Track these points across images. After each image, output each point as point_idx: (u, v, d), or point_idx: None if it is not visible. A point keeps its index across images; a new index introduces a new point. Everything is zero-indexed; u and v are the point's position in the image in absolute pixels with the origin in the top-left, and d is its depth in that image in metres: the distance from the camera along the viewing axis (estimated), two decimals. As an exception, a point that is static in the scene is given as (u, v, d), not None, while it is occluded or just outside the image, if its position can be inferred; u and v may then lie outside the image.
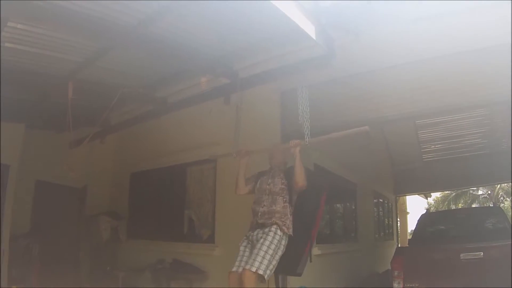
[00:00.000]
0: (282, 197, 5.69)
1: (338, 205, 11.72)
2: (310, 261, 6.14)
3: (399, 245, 17.62)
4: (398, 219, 19.96)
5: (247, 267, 5.13)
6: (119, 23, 6.09)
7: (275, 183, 5.80)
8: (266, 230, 5.47)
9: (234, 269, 5.41)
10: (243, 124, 7.47)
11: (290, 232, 5.61)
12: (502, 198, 31.93)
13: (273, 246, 5.33)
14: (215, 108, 8.34)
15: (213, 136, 8.43)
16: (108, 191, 11.52)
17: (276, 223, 5.49)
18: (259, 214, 5.64)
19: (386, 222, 17.47)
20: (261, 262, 5.16)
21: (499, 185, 29.11)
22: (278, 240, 5.41)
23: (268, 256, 5.24)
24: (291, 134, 6.93)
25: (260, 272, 5.10)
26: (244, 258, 5.45)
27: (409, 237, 14.02)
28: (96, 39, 6.50)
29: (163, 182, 10.02)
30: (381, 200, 16.54)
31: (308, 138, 5.77)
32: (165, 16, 6.02)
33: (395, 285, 7.50)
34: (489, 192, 32.70)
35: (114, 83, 8.17)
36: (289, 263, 5.76)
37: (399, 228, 20.03)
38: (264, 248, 5.28)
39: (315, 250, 8.17)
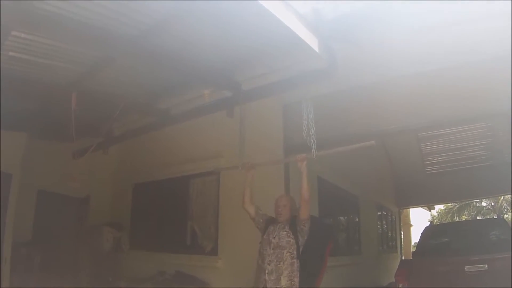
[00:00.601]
0: (290, 253, 5.52)
1: (341, 217, 11.66)
2: None
3: (403, 258, 17.54)
4: (402, 232, 19.88)
5: None
6: (122, 34, 6.10)
7: (281, 236, 5.62)
8: None
9: None
10: (246, 136, 7.46)
11: (297, 285, 5.50)
12: (505, 209, 31.78)
13: None
14: (218, 121, 8.33)
15: (216, 148, 8.44)
16: (110, 202, 11.48)
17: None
18: (266, 272, 5.48)
19: (390, 234, 17.39)
20: None
21: (502, 196, 28.99)
22: None
23: None
24: (294, 147, 6.92)
25: None
26: None
27: (413, 249, 13.98)
28: (99, 49, 6.51)
29: (166, 194, 9.99)
30: (385, 213, 16.49)
31: (315, 151, 5.73)
32: (168, 28, 6.03)
33: (399, 297, 7.45)
34: (492, 203, 32.59)
35: (117, 94, 8.19)
36: None
37: (402, 240, 19.94)
38: None
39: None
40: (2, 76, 6.53)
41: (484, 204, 33.25)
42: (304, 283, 5.54)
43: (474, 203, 32.69)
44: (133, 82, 7.94)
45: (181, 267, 8.74)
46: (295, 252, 5.53)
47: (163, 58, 6.76)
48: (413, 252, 10.30)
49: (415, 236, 20.36)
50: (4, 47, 6.00)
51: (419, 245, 9.93)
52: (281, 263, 5.45)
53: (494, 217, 28.73)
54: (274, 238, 5.63)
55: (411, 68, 6.34)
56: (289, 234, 5.60)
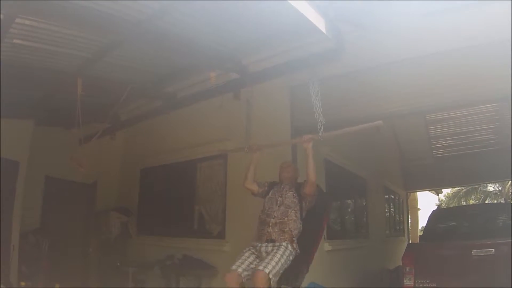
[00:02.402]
0: (294, 210, 5.64)
1: (348, 200, 11.65)
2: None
3: (410, 242, 17.53)
4: (409, 215, 19.84)
5: (261, 268, 5.08)
6: (127, 18, 6.09)
7: (287, 196, 5.75)
8: (277, 244, 5.45)
9: (234, 267, 5.33)
10: (253, 119, 7.44)
11: (297, 249, 5.59)
12: (512, 194, 31.67)
13: (284, 258, 5.31)
14: (224, 103, 8.31)
15: (223, 132, 8.42)
16: (117, 187, 11.52)
17: (286, 240, 5.47)
18: (270, 224, 5.57)
19: (397, 218, 17.36)
20: (273, 267, 5.13)
21: (510, 181, 28.87)
22: (288, 255, 5.40)
23: (279, 265, 5.22)
24: (301, 128, 6.90)
25: (271, 276, 5.06)
26: (246, 262, 5.39)
27: (420, 233, 13.96)
28: (104, 34, 6.51)
29: (173, 178, 10.00)
30: (392, 196, 16.44)
31: (322, 132, 5.69)
32: (174, 11, 6.01)
33: (406, 281, 7.44)
34: (499, 188, 32.48)
35: (123, 79, 8.18)
36: (290, 276, 5.70)
37: (410, 224, 19.91)
38: (278, 256, 5.27)
39: (326, 246, 8.16)
40: (7, 64, 6.53)
41: (491, 188, 33.14)
42: (302, 248, 5.69)
43: (481, 188, 32.59)
44: (139, 66, 7.93)
45: (188, 251, 8.77)
46: (298, 213, 5.68)
47: (169, 42, 6.76)
48: (420, 236, 10.27)
49: (423, 220, 20.35)
50: (8, 34, 5.99)
51: (426, 229, 9.90)
52: (286, 218, 5.58)
53: (502, 201, 28.65)
54: (280, 196, 5.77)
55: (418, 51, 6.31)
56: (294, 195, 5.74)
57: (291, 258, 5.47)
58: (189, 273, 8.39)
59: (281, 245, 5.42)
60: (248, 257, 5.48)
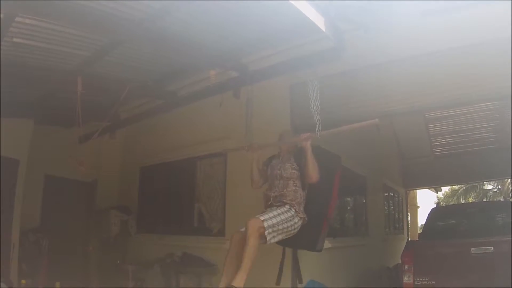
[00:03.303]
0: (293, 181, 5.69)
1: (348, 198, 11.67)
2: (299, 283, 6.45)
3: (409, 239, 17.56)
4: (409, 213, 19.87)
5: (256, 216, 5.17)
6: (128, 17, 6.09)
7: (285, 168, 5.79)
8: (279, 206, 5.52)
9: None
10: (253, 117, 7.46)
11: (303, 215, 5.61)
12: (512, 193, 31.67)
13: (283, 216, 5.35)
14: (225, 102, 8.33)
15: (223, 130, 8.45)
16: (117, 185, 11.54)
17: (288, 204, 5.53)
18: (271, 198, 5.68)
19: (396, 216, 17.39)
20: (270, 218, 5.18)
21: (509, 179, 28.88)
22: (290, 216, 5.43)
23: (277, 218, 5.26)
24: (300, 127, 6.92)
25: (265, 224, 5.08)
26: None
27: (419, 231, 13.98)
28: (105, 33, 6.50)
29: (173, 176, 10.02)
30: (391, 194, 16.47)
31: (319, 131, 5.70)
32: (174, 11, 6.01)
33: (405, 279, 7.47)
34: (499, 186, 32.47)
35: (123, 77, 8.19)
36: (309, 240, 5.90)
37: (409, 222, 19.94)
38: (277, 211, 5.36)
39: (325, 244, 8.17)
40: (7, 63, 6.54)
41: (490, 187, 33.15)
42: (314, 214, 5.79)
43: (481, 186, 32.60)
44: (139, 65, 7.93)
45: (188, 249, 8.80)
46: (298, 182, 5.71)
47: (170, 40, 6.76)
48: (419, 233, 10.29)
49: (422, 218, 20.36)
50: (8, 33, 6.00)
51: (425, 226, 9.93)
52: (285, 190, 5.64)
53: (501, 199, 28.67)
54: (279, 170, 5.81)
55: (418, 49, 6.31)
56: (293, 166, 5.78)
57: (295, 220, 5.49)
58: (189, 271, 8.41)
59: (282, 207, 5.49)
60: None
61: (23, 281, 7.82)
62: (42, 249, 9.06)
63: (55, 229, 9.58)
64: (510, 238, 7.08)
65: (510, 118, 11.40)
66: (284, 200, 5.58)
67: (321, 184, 5.84)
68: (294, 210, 5.50)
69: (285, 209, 5.45)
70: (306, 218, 5.64)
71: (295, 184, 5.68)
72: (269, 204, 5.69)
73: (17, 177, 8.64)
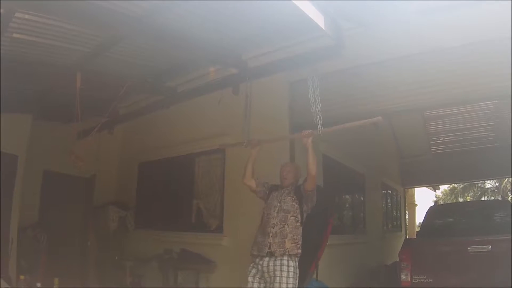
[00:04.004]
0: (294, 216, 5.52)
1: (346, 196, 11.69)
2: (317, 279, 6.44)
3: (407, 237, 17.58)
4: (407, 211, 19.89)
5: None
6: (128, 13, 6.10)
7: (285, 200, 5.62)
8: (278, 263, 5.32)
9: None
10: (252, 114, 7.46)
11: (300, 250, 5.50)
12: (510, 191, 31.70)
13: (291, 281, 5.25)
14: (224, 98, 8.34)
15: (222, 126, 8.45)
16: (116, 181, 11.54)
17: (287, 254, 5.34)
18: (271, 235, 5.43)
19: (394, 214, 17.42)
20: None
21: (507, 178, 28.93)
22: (294, 272, 5.33)
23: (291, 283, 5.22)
24: (300, 124, 6.92)
25: None
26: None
27: (417, 229, 14.00)
28: (104, 29, 6.51)
29: (172, 172, 10.01)
30: (390, 192, 16.49)
31: (321, 128, 5.69)
32: (174, 7, 6.03)
33: (403, 277, 7.48)
34: (497, 184, 32.55)
35: (123, 73, 8.20)
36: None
37: (407, 220, 19.96)
38: (284, 280, 5.22)
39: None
40: (7, 58, 6.54)
41: (488, 185, 33.23)
42: (305, 253, 5.59)
43: (479, 184, 32.67)
44: (139, 61, 7.94)
45: (186, 245, 8.80)
46: (299, 217, 5.55)
47: (169, 37, 6.77)
48: (417, 231, 10.31)
49: (420, 216, 20.38)
50: (8, 28, 5.99)
51: (423, 225, 9.94)
52: (286, 226, 5.45)
53: (499, 198, 28.73)
54: (279, 202, 5.63)
55: (418, 48, 6.32)
56: (293, 199, 5.62)
57: (297, 271, 5.40)
58: (187, 267, 8.43)
59: (282, 264, 5.30)
60: (253, 284, 5.44)
61: (22, 277, 7.81)
62: (41, 245, 9.06)
63: (53, 225, 9.59)
64: (508, 237, 7.10)
65: (508, 117, 11.41)
66: (285, 241, 5.38)
67: (316, 224, 5.85)
68: (293, 262, 5.38)
69: (286, 267, 5.29)
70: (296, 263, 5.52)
71: (296, 220, 5.52)
72: (266, 244, 5.42)
73: (16, 172, 8.64)
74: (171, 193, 9.91)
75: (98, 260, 10.36)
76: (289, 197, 5.65)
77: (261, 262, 5.43)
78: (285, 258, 5.33)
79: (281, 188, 5.84)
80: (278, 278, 5.24)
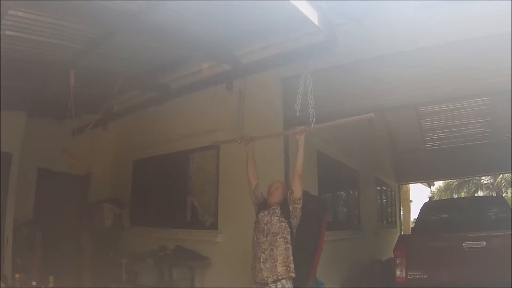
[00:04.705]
0: (283, 238, 5.39)
1: (340, 192, 11.71)
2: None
3: (402, 233, 17.64)
4: (401, 207, 19.96)
5: None
6: (120, 9, 6.08)
7: (273, 222, 5.46)
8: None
9: None
10: (245, 110, 7.46)
11: (293, 273, 5.38)
12: (504, 188, 31.83)
13: None
14: (217, 95, 8.33)
15: (216, 123, 8.44)
16: (110, 178, 11.52)
17: (279, 280, 5.27)
18: (261, 260, 5.34)
19: (389, 210, 17.48)
20: None
21: (501, 174, 29.04)
22: None
23: None
24: (293, 120, 6.91)
25: None
26: None
27: (412, 225, 14.06)
28: (97, 25, 6.51)
29: (166, 169, 10.00)
30: (384, 188, 16.55)
31: (314, 124, 5.67)
32: (166, 3, 6.00)
33: (398, 273, 7.51)
34: (491, 181, 32.65)
35: (116, 70, 8.19)
36: None
37: (402, 216, 20.03)
38: None
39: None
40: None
41: (483, 182, 33.33)
42: (301, 268, 5.50)
43: (473, 180, 32.77)
44: (132, 58, 7.94)
45: (181, 242, 8.81)
46: (288, 237, 5.41)
47: (162, 33, 6.77)
48: (412, 228, 10.34)
49: (415, 212, 20.46)
50: (1, 26, 5.97)
51: (418, 220, 9.99)
52: (275, 249, 5.33)
53: (493, 194, 28.85)
54: (266, 225, 5.48)
55: (412, 44, 6.32)
56: (281, 219, 5.46)
57: None
58: (182, 264, 8.42)
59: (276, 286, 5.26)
60: None
61: (17, 276, 7.79)
62: (36, 243, 9.05)
63: (48, 222, 9.56)
64: (502, 233, 7.13)
65: (503, 113, 11.43)
66: (276, 265, 5.29)
67: (309, 233, 5.76)
68: (289, 281, 5.33)
69: None
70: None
71: (285, 241, 5.38)
72: (258, 270, 5.33)
73: (10, 170, 8.62)
74: (165, 190, 9.91)
75: (93, 257, 10.34)
76: (276, 218, 5.48)
77: None
78: (279, 285, 5.28)
79: (268, 206, 5.67)
80: None
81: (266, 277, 5.27)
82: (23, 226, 9.07)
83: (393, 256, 7.91)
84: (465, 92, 6.41)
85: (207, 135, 8.21)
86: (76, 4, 5.66)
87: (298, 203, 5.45)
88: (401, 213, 19.98)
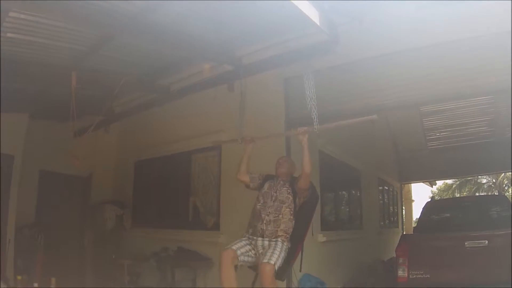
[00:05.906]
0: (289, 208, 5.61)
1: (343, 192, 11.69)
2: (300, 271, 6.40)
3: (404, 233, 17.61)
4: (403, 207, 19.93)
5: (266, 260, 5.11)
6: (121, 11, 6.09)
7: (281, 191, 5.70)
8: (273, 242, 5.43)
9: (232, 246, 5.38)
10: (247, 110, 7.45)
11: (288, 245, 5.60)
12: (506, 186, 31.79)
13: (282, 253, 5.34)
14: (219, 95, 8.33)
15: (217, 124, 8.44)
16: (112, 180, 11.52)
17: (280, 237, 5.47)
18: (265, 221, 5.52)
19: (391, 209, 17.44)
20: (277, 260, 5.17)
21: (503, 173, 28.99)
22: (284, 250, 5.41)
23: (280, 259, 5.26)
24: (295, 121, 6.92)
25: (276, 267, 5.13)
26: (244, 249, 5.44)
27: (414, 225, 14.03)
28: (98, 27, 6.49)
29: (168, 170, 10.01)
30: (386, 188, 16.51)
31: (317, 125, 5.68)
32: (167, 4, 6.01)
33: (400, 272, 7.48)
34: (493, 180, 32.61)
35: (117, 72, 8.19)
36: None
37: (404, 215, 20.00)
38: (278, 250, 5.29)
39: (320, 237, 8.20)
40: (1, 58, 6.52)
41: (485, 180, 33.29)
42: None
43: (475, 179, 32.72)
44: (133, 59, 7.94)
45: (183, 243, 8.81)
46: (293, 210, 5.64)
47: (163, 34, 6.77)
48: (414, 227, 10.33)
49: (417, 212, 20.45)
50: (2, 28, 5.97)
51: (420, 220, 9.96)
52: (280, 216, 5.54)
53: (495, 193, 28.78)
54: (275, 192, 5.71)
55: (413, 43, 6.31)
56: (289, 191, 5.69)
57: (285, 254, 5.48)
58: (184, 265, 8.41)
59: (277, 241, 5.42)
60: (245, 245, 5.49)
61: (19, 277, 7.79)
62: (38, 245, 9.05)
63: (50, 224, 9.57)
64: (504, 232, 7.11)
65: (505, 112, 11.41)
66: (278, 230, 5.50)
67: (303, 214, 5.89)
68: (285, 245, 5.48)
69: (280, 244, 5.40)
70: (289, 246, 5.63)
71: (290, 213, 5.60)
72: (260, 228, 5.53)
73: (12, 172, 8.62)
74: (167, 191, 9.92)
75: (95, 259, 10.35)
76: (285, 188, 5.72)
77: (255, 238, 5.55)
78: (280, 240, 5.45)
79: (276, 178, 5.90)
80: (272, 247, 5.35)
81: (266, 236, 5.48)
82: (25, 228, 9.06)
83: (395, 255, 7.89)
84: (467, 90, 6.39)
85: (209, 136, 8.19)
86: (77, 6, 5.66)
87: (306, 192, 5.75)
88: (403, 213, 19.95)
